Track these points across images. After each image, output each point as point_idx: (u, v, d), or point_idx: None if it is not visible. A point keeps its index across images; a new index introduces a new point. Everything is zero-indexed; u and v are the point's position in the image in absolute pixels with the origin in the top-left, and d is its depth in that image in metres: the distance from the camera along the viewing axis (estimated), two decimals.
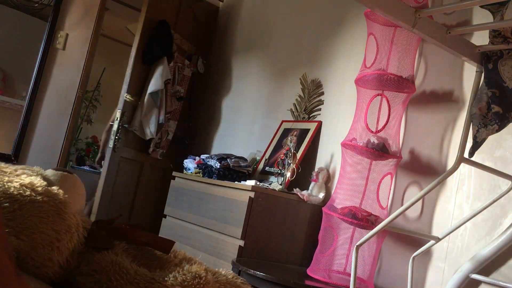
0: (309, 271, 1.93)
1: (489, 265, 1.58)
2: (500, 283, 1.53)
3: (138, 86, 3.08)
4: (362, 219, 1.78)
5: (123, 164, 3.05)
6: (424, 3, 1.79)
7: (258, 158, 2.77)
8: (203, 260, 1.03)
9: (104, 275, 0.78)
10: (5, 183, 0.78)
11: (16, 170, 0.88)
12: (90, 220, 0.95)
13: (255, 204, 2.07)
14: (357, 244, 1.46)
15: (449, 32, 1.43)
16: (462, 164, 1.54)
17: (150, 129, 3.05)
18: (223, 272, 0.95)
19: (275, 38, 3.09)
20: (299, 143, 2.45)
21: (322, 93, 2.56)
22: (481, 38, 1.74)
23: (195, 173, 2.69)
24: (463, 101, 1.86)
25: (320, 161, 2.45)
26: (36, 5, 3.22)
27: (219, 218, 2.22)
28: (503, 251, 1.55)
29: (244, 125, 3.12)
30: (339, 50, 2.54)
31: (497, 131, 1.44)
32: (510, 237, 1.52)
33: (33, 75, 3.15)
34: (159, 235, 1.55)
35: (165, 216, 2.72)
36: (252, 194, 2.07)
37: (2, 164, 0.88)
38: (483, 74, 1.50)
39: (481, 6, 1.56)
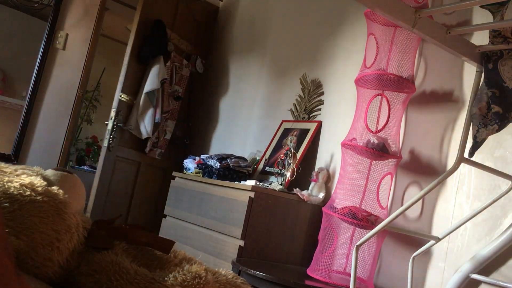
0: (309, 271, 1.93)
1: (489, 265, 1.58)
2: (500, 283, 1.53)
3: (134, 85, 3.08)
4: (362, 219, 1.78)
5: (120, 163, 3.05)
6: (424, 3, 1.79)
7: (258, 158, 2.77)
8: (203, 260, 1.03)
9: (104, 275, 0.78)
10: (5, 183, 0.78)
11: (16, 170, 0.88)
12: (90, 220, 0.95)
13: (255, 204, 2.07)
14: (357, 244, 1.46)
15: (449, 32, 1.43)
16: (462, 164, 1.54)
17: (146, 128, 3.05)
18: (223, 272, 0.95)
19: (275, 38, 3.09)
20: (299, 143, 2.45)
21: (322, 93, 2.56)
22: (481, 38, 1.74)
23: (195, 173, 2.69)
24: (463, 101, 1.86)
25: (320, 161, 2.45)
26: (36, 5, 3.22)
27: (219, 218, 2.22)
28: (503, 251, 1.55)
29: (244, 125, 3.12)
30: (339, 50, 2.54)
31: (497, 131, 1.44)
32: (510, 237, 1.52)
33: (33, 75, 3.15)
34: (159, 235, 1.55)
35: (165, 216, 2.72)
36: (252, 194, 2.07)
37: (2, 164, 0.88)
38: (483, 74, 1.50)
39: (481, 6, 1.56)
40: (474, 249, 1.67)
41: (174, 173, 2.76)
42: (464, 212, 1.74)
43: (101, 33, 3.68)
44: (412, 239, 1.89)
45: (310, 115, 2.57)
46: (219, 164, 2.52)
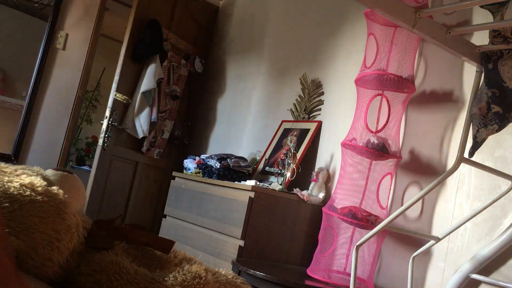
0: (309, 271, 1.93)
1: (489, 265, 1.58)
2: (500, 283, 1.53)
3: (130, 85, 3.08)
4: (362, 219, 1.78)
5: (116, 162, 3.05)
6: (424, 3, 1.79)
7: (258, 158, 2.77)
8: (203, 260, 1.03)
9: (104, 275, 0.78)
10: (5, 183, 0.78)
11: (16, 170, 0.88)
12: (90, 220, 0.95)
13: (255, 204, 2.07)
14: (357, 244, 1.46)
15: (449, 32, 1.43)
16: (462, 164, 1.54)
17: (143, 128, 3.06)
18: (223, 272, 0.95)
19: (275, 38, 3.09)
20: (299, 143, 2.45)
21: (322, 93, 2.56)
22: (481, 38, 1.74)
23: (195, 173, 2.69)
24: (463, 101, 1.86)
25: (320, 161, 2.45)
26: (36, 5, 3.22)
27: (219, 218, 2.22)
28: (503, 251, 1.55)
29: (244, 125, 3.12)
30: (339, 50, 2.54)
31: (497, 131, 1.44)
32: (510, 237, 1.52)
33: (33, 75, 3.15)
34: (159, 235, 1.55)
35: (165, 216, 2.72)
36: (252, 194, 2.07)
37: (2, 164, 0.88)
38: (483, 74, 1.50)
39: (481, 6, 1.56)
40: (474, 249, 1.67)
41: (174, 173, 2.76)
42: (464, 212, 1.74)
43: (101, 33, 3.68)
44: (412, 239, 1.89)
45: (310, 115, 2.58)
46: (219, 164, 2.52)
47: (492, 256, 1.55)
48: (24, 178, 0.82)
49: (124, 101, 3.05)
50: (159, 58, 3.14)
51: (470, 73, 1.83)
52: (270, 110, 2.92)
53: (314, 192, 2.27)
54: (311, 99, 2.59)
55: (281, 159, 2.38)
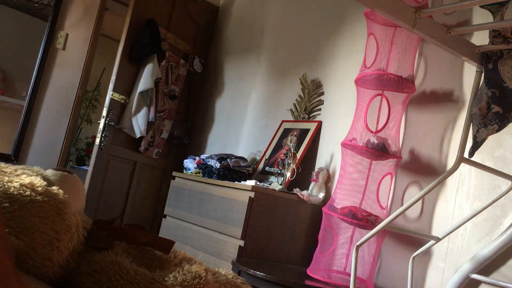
0: (309, 271, 1.93)
1: (489, 265, 1.58)
2: (500, 283, 1.53)
3: (128, 84, 3.09)
4: (362, 219, 1.78)
5: (114, 162, 3.05)
6: (424, 3, 1.79)
7: (258, 158, 2.77)
8: (203, 260, 1.03)
9: (104, 275, 0.78)
10: (5, 183, 0.78)
11: (16, 170, 0.88)
12: (90, 220, 0.95)
13: (255, 204, 2.07)
14: (357, 244, 1.46)
15: (449, 32, 1.43)
16: (462, 164, 1.54)
17: (140, 128, 3.06)
18: (223, 272, 0.95)
19: (275, 38, 3.09)
20: (299, 143, 2.45)
21: (322, 93, 2.56)
22: (481, 38, 1.74)
23: (195, 173, 2.69)
24: (463, 101, 1.86)
25: (320, 161, 2.45)
26: (36, 5, 3.22)
27: (219, 218, 2.22)
28: (503, 251, 1.55)
29: (244, 125, 3.12)
30: (339, 50, 2.54)
31: (497, 131, 1.44)
32: (510, 237, 1.52)
33: (33, 75, 3.15)
34: (159, 235, 1.55)
35: (165, 216, 2.72)
36: (252, 194, 2.07)
37: (2, 164, 0.88)
38: (483, 74, 1.50)
39: (481, 6, 1.56)
40: (474, 249, 1.67)
41: (174, 173, 2.76)
42: (464, 212, 1.74)
43: (101, 33, 3.68)
44: (412, 239, 1.89)
45: (310, 115, 2.58)
46: (219, 164, 2.52)
47: (492, 256, 1.55)
48: (24, 178, 0.82)
49: (122, 101, 3.05)
50: (157, 58, 3.14)
51: (470, 73, 1.83)
52: (270, 110, 2.92)
53: (314, 192, 2.27)
54: (311, 99, 2.59)
55: (281, 159, 2.38)
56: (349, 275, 1.87)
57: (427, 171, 1.93)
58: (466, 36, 1.79)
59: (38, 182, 0.81)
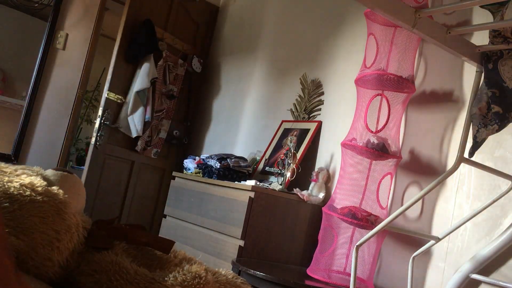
0: (309, 271, 1.93)
1: (489, 265, 1.58)
2: (500, 283, 1.53)
3: (124, 84, 3.09)
4: (362, 219, 1.78)
5: (111, 162, 3.05)
6: (424, 3, 1.79)
7: (258, 158, 2.77)
8: (203, 260, 1.03)
9: (104, 275, 0.78)
10: (5, 183, 0.78)
11: (16, 170, 0.88)
12: (90, 220, 0.95)
13: (255, 204, 2.07)
14: (357, 244, 1.46)
15: (449, 32, 1.43)
16: (462, 164, 1.54)
17: (137, 127, 3.07)
18: (223, 272, 0.95)
19: (275, 37, 3.09)
20: (299, 143, 2.45)
21: (322, 93, 2.56)
22: (481, 38, 1.74)
23: (195, 173, 2.69)
24: (463, 101, 1.86)
25: (320, 161, 2.45)
26: (36, 5, 3.22)
27: (219, 218, 2.22)
28: (503, 251, 1.55)
29: (244, 125, 3.12)
30: (339, 50, 2.54)
31: (497, 131, 1.44)
32: (510, 237, 1.52)
33: (33, 75, 3.15)
34: (159, 235, 1.55)
35: (165, 216, 2.72)
36: (252, 194, 2.07)
37: (2, 164, 0.88)
38: (483, 74, 1.50)
39: (481, 6, 1.56)
40: (474, 249, 1.67)
41: (174, 173, 2.76)
42: (464, 212, 1.74)
43: (101, 33, 3.68)
44: (412, 239, 1.89)
45: (310, 115, 2.58)
46: (219, 164, 2.52)
47: (492, 256, 1.55)
48: (24, 178, 0.82)
49: (118, 101, 3.06)
50: (154, 57, 3.14)
51: (470, 73, 1.83)
52: (270, 110, 2.92)
53: (314, 192, 2.27)
54: (311, 99, 2.59)
55: (281, 159, 2.38)
56: (349, 275, 1.87)
57: (427, 171, 1.93)
58: (466, 36, 1.79)
59: (38, 182, 0.81)
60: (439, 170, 1.88)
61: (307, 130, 2.51)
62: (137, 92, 3.06)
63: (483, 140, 1.46)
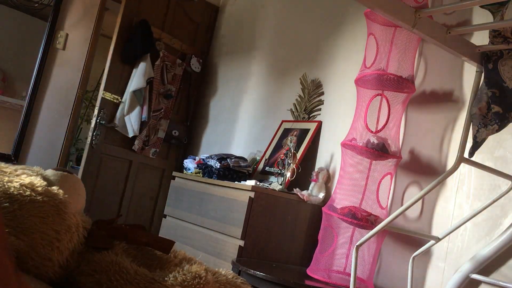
0: (309, 271, 1.93)
1: (489, 265, 1.58)
2: (500, 283, 1.53)
3: (120, 84, 3.09)
4: (362, 219, 1.78)
5: (108, 161, 3.05)
6: (424, 3, 1.79)
7: (258, 158, 2.77)
8: (203, 260, 1.03)
9: (104, 275, 0.78)
10: (5, 183, 0.78)
11: (16, 170, 0.88)
12: (90, 220, 0.95)
13: (255, 204, 2.07)
14: (357, 244, 1.46)
15: (449, 32, 1.43)
16: (462, 164, 1.54)
17: (133, 127, 3.07)
18: (223, 272, 0.95)
19: (275, 37, 3.09)
20: (299, 143, 2.45)
21: (322, 93, 2.56)
22: (481, 38, 1.74)
23: (195, 173, 2.69)
24: (463, 101, 1.86)
25: (320, 161, 2.45)
26: (36, 5, 3.22)
27: (219, 218, 2.22)
28: (503, 251, 1.55)
29: (244, 125, 3.12)
30: (339, 50, 2.54)
31: (497, 131, 1.44)
32: (510, 237, 1.52)
33: (33, 75, 3.15)
34: (159, 235, 1.55)
35: (165, 216, 2.72)
36: (252, 194, 2.07)
37: (2, 164, 0.88)
38: (483, 74, 1.50)
39: (481, 6, 1.56)
40: (474, 249, 1.67)
41: (174, 173, 2.76)
42: (464, 212, 1.74)
43: (101, 33, 3.68)
44: (412, 239, 1.89)
45: (310, 115, 2.58)
46: (219, 164, 2.52)
47: (492, 256, 1.55)
48: (24, 178, 0.82)
49: (114, 100, 3.06)
50: (150, 57, 3.14)
51: (470, 73, 1.83)
52: (270, 110, 2.92)
53: (314, 192, 2.27)
54: (311, 99, 2.59)
55: (281, 159, 2.38)
56: (349, 275, 1.87)
57: (427, 171, 1.93)
58: (466, 36, 1.79)
59: (38, 182, 0.81)
60: (439, 170, 1.88)
61: (307, 130, 2.51)
62: (134, 92, 3.06)
63: (483, 140, 1.46)
